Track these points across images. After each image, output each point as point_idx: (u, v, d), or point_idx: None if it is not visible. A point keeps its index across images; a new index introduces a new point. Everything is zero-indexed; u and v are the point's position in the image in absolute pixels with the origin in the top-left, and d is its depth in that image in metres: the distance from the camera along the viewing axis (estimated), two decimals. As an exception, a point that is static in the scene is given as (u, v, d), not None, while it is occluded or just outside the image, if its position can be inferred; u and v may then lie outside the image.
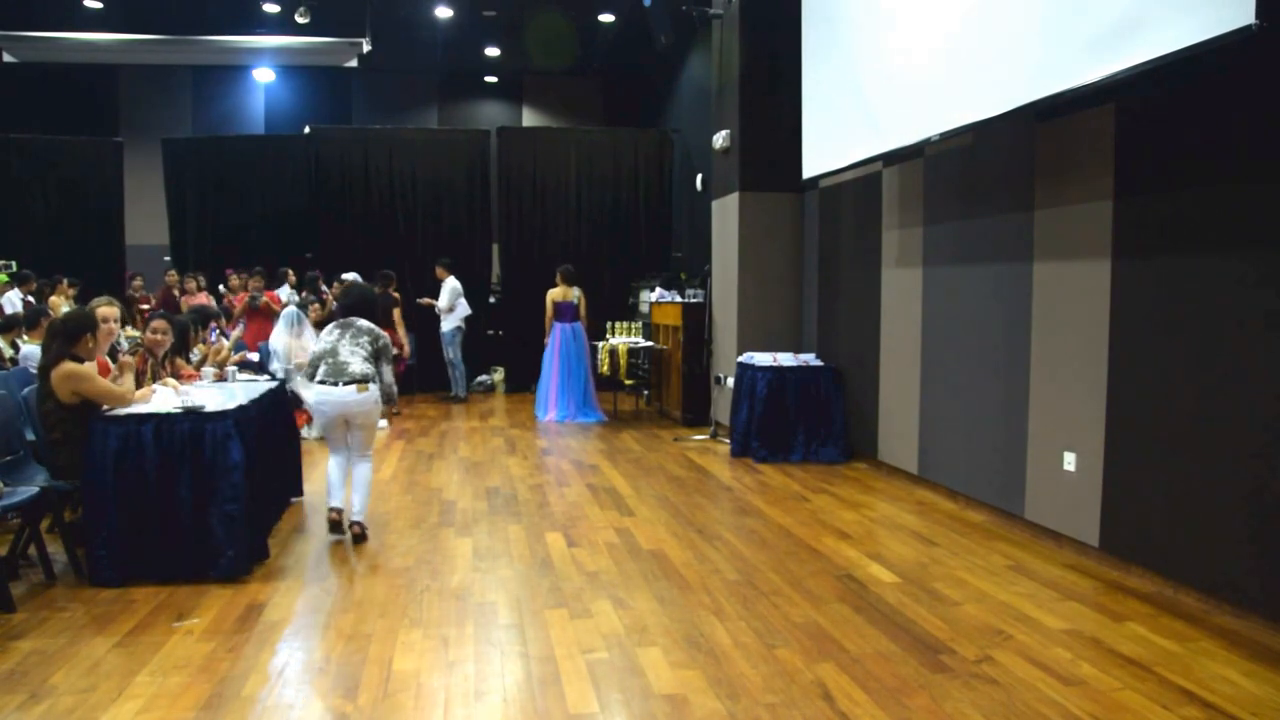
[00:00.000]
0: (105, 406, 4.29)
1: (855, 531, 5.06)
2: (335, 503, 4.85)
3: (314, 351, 4.90)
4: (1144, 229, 4.13)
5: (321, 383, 4.76)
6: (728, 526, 5.20)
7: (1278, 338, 3.48)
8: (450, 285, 10.46)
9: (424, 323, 10.85)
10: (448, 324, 10.48)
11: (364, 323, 4.97)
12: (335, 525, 4.83)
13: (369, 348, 4.87)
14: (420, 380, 11.00)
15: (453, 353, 10.56)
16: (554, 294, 9.29)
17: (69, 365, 4.23)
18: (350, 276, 9.82)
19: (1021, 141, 4.95)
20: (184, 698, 2.98)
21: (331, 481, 4.93)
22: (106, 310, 4.90)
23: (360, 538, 4.85)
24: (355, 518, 4.88)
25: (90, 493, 4.07)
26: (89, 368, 4.30)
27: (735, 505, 5.75)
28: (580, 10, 12.43)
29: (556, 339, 9.27)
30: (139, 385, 4.82)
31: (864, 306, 6.80)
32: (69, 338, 4.30)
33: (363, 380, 4.74)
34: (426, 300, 10.68)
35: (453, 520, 5.31)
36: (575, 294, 9.30)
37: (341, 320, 5.01)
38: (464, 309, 10.60)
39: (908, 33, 5.53)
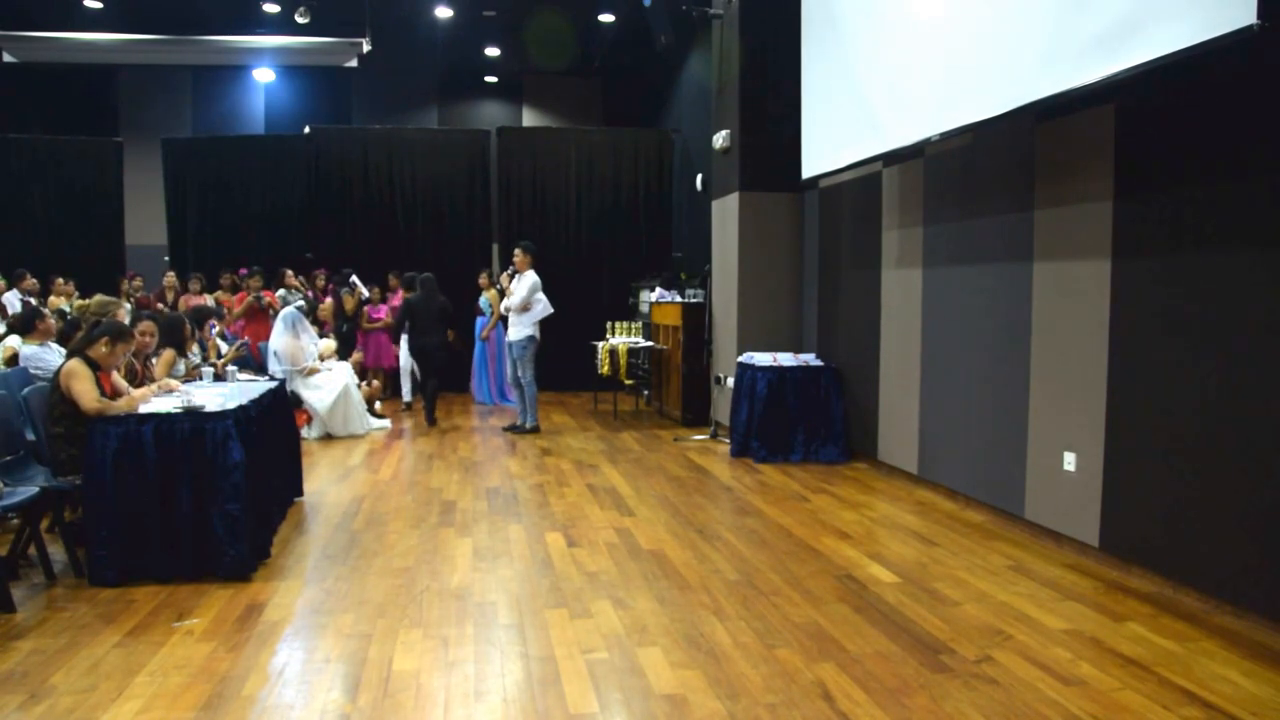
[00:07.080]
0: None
1: (855, 531, 5.06)
2: (407, 399, 10.02)
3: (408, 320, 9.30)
4: (1144, 229, 4.13)
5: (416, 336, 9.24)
6: (728, 526, 5.20)
7: (1278, 338, 3.48)
8: (530, 279, 8.11)
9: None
10: (519, 331, 8.15)
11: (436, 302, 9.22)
12: (408, 407, 9.88)
13: (439, 318, 9.12)
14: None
15: (524, 369, 8.23)
16: (494, 296, 10.17)
17: (73, 363, 4.31)
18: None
19: (1021, 141, 4.95)
20: (184, 698, 2.98)
21: (408, 388, 9.98)
22: (146, 325, 5.38)
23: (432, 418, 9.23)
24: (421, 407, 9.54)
25: (90, 493, 4.07)
26: (86, 370, 4.32)
27: (735, 505, 5.75)
28: (580, 10, 12.42)
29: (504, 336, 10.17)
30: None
31: (864, 306, 6.79)
32: (88, 338, 4.42)
33: (436, 334, 9.12)
34: (503, 287, 8.59)
35: (453, 520, 5.31)
36: None
37: (426, 303, 9.20)
38: (542, 310, 8.20)
39: (908, 33, 5.53)
